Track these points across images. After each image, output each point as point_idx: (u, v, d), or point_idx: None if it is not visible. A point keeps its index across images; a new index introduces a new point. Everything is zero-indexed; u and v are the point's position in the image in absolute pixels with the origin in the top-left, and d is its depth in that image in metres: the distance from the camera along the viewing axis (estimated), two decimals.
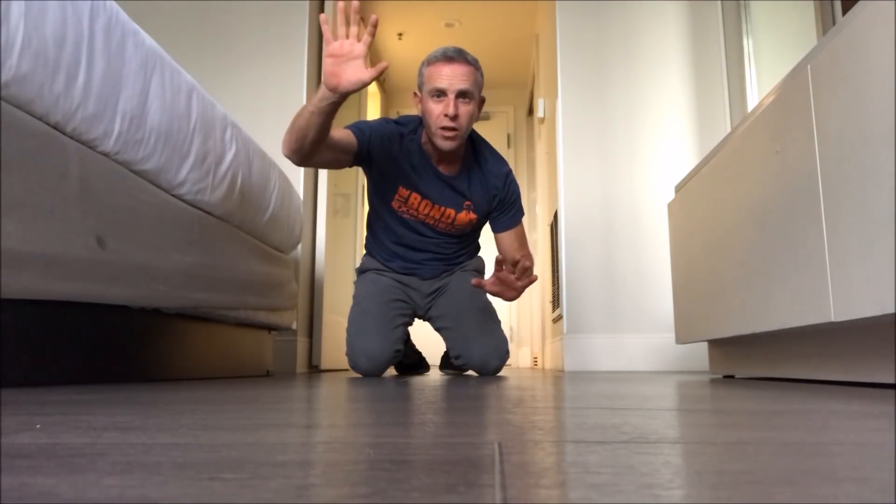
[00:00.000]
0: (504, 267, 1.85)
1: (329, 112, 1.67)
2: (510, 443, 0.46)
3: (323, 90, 1.63)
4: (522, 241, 2.14)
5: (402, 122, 2.03)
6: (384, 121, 2.03)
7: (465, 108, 1.90)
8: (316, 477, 0.33)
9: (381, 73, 1.58)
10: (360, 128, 1.94)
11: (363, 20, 4.50)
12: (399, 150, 1.98)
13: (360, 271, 2.21)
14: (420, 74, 1.96)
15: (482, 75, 1.96)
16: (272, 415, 0.66)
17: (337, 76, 1.60)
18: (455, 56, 1.90)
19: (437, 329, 2.18)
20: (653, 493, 0.29)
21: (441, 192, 2.02)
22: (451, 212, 2.05)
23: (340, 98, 1.64)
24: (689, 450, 0.44)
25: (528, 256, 2.11)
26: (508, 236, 2.10)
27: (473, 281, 1.92)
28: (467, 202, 2.05)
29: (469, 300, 2.10)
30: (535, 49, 4.52)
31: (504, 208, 2.09)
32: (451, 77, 1.88)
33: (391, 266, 2.13)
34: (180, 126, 1.53)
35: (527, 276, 1.88)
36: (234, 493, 0.29)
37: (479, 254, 2.30)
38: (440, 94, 1.89)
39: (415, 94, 2.00)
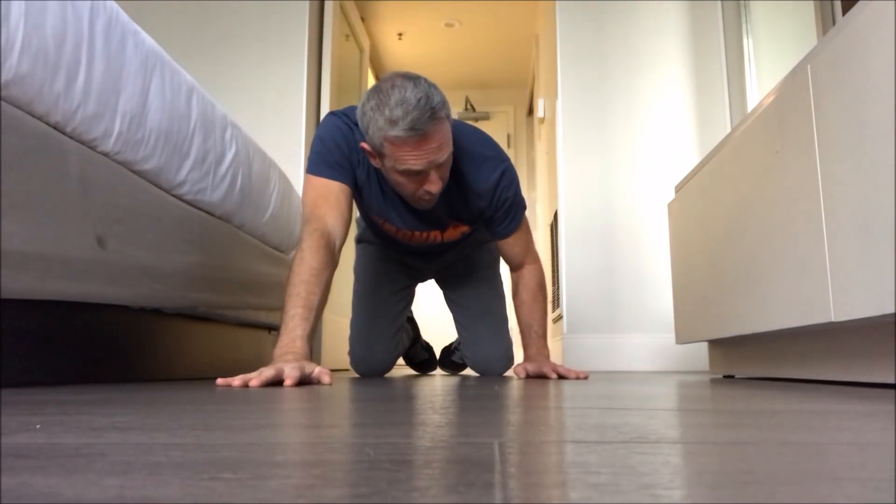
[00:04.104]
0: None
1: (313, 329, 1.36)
2: (510, 443, 0.46)
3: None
4: (526, 245, 1.81)
5: (357, 129, 1.54)
6: (332, 133, 1.57)
7: (444, 170, 1.51)
8: (316, 477, 0.33)
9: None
10: (337, 170, 1.56)
11: (363, 19, 4.50)
12: (364, 173, 1.63)
13: (359, 240, 2.12)
14: (372, 137, 1.42)
15: (450, 112, 1.47)
16: (272, 415, 0.66)
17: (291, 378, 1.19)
18: (429, 127, 1.38)
19: (447, 303, 2.15)
20: (653, 493, 0.29)
21: (416, 220, 1.73)
22: (436, 233, 1.79)
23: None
24: (689, 450, 0.44)
25: (535, 259, 1.84)
26: (509, 245, 1.78)
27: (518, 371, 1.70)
28: (452, 222, 1.76)
29: (484, 300, 2.07)
30: (535, 49, 4.52)
31: (495, 218, 1.72)
32: (429, 156, 1.43)
33: (390, 246, 2.02)
34: (180, 126, 1.53)
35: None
36: (234, 493, 0.29)
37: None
38: (417, 173, 1.46)
39: (363, 146, 1.48)
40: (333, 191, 1.54)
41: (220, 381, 1.20)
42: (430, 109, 1.38)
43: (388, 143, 1.41)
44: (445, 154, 1.46)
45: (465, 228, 1.80)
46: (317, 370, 1.26)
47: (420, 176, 1.47)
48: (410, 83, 1.39)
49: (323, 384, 1.26)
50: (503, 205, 1.69)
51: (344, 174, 1.56)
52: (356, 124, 1.54)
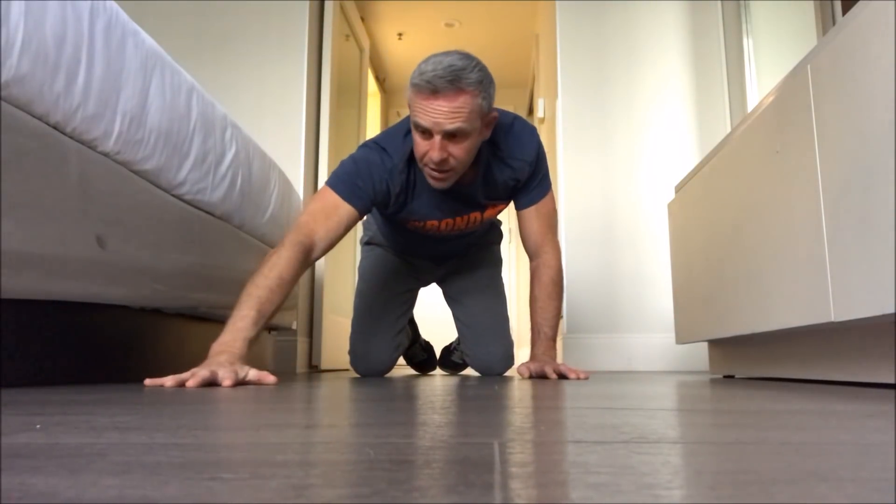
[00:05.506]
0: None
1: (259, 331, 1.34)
2: (510, 443, 0.46)
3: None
4: (546, 225, 1.76)
5: (387, 148, 1.63)
6: (368, 163, 1.61)
7: (457, 148, 1.50)
8: (316, 477, 0.33)
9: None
10: (356, 195, 1.58)
11: (363, 19, 4.50)
12: (398, 193, 1.65)
13: (366, 242, 2.14)
14: (408, 89, 1.53)
15: (487, 96, 1.49)
16: (272, 415, 0.66)
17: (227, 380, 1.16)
18: (443, 87, 1.42)
19: (447, 302, 2.16)
20: (653, 493, 0.29)
21: (458, 205, 1.74)
22: (475, 215, 1.79)
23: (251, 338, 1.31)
24: (689, 450, 0.44)
25: (555, 248, 1.78)
26: (531, 217, 1.75)
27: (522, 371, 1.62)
28: (491, 203, 1.78)
29: (486, 298, 2.08)
30: (535, 49, 4.52)
31: (528, 184, 1.73)
32: (434, 115, 1.44)
33: (401, 250, 2.06)
34: (180, 126, 1.52)
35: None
36: (234, 493, 0.29)
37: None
38: (424, 131, 1.49)
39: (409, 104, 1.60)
40: (339, 212, 1.55)
41: (148, 381, 1.17)
42: (452, 74, 1.43)
43: (410, 88, 1.49)
44: (456, 124, 1.45)
45: (502, 206, 1.83)
46: (252, 373, 1.22)
47: (427, 137, 1.50)
48: (459, 55, 1.47)
49: (266, 384, 1.22)
50: (541, 167, 1.73)
51: (361, 201, 1.59)
52: (385, 150, 1.62)
